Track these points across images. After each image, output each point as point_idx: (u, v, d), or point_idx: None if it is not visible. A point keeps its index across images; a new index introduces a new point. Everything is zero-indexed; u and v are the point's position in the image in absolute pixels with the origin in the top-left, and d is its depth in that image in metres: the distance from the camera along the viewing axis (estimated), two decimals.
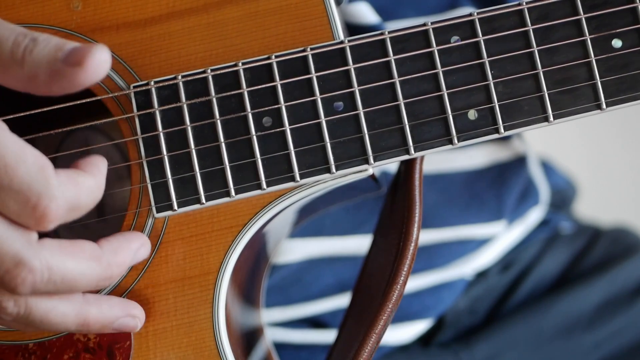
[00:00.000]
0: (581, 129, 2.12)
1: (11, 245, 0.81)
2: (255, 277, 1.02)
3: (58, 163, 1.01)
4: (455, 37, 0.92)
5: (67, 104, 0.91)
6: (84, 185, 0.84)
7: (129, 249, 0.88)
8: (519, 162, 1.28)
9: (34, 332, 0.91)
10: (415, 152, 0.91)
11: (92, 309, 0.87)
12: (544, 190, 1.32)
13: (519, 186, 1.27)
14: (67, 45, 0.81)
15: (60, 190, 0.81)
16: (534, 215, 1.30)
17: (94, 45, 0.80)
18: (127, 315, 0.89)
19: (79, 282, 0.83)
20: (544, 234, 1.31)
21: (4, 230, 0.81)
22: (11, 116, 0.90)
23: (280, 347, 1.18)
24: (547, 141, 1.65)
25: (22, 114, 0.90)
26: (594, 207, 1.64)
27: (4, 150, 0.80)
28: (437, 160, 1.23)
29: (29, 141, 0.98)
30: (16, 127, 0.92)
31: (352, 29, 1.10)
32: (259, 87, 0.92)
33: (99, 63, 0.80)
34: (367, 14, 1.11)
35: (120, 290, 0.92)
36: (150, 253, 0.92)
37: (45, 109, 0.91)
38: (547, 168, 1.38)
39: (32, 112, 0.91)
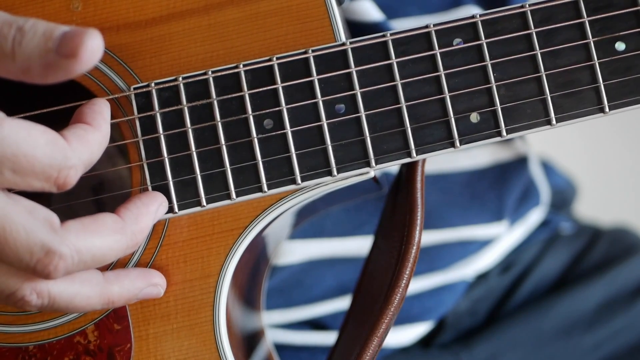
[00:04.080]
0: (581, 129, 2.11)
1: (38, 236, 0.82)
2: (256, 279, 1.02)
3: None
4: (458, 40, 0.91)
5: (68, 105, 0.91)
6: (94, 142, 0.86)
7: (148, 212, 0.89)
8: (520, 163, 1.27)
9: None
10: (417, 155, 0.91)
11: (114, 287, 0.88)
12: (544, 191, 1.31)
13: (520, 187, 1.27)
14: (56, 32, 0.81)
15: (77, 156, 0.83)
16: (535, 216, 1.29)
17: (85, 32, 0.80)
18: (149, 285, 0.90)
19: (108, 256, 0.85)
20: (544, 235, 1.31)
21: (29, 221, 0.82)
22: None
23: (280, 348, 1.18)
24: (547, 141, 1.65)
25: (21, 115, 0.90)
26: (594, 207, 1.64)
27: (16, 139, 0.81)
28: (438, 161, 1.22)
29: None
30: None
31: (356, 26, 1.10)
32: (260, 89, 0.91)
33: (92, 51, 0.80)
34: (371, 11, 1.10)
35: None
36: (151, 255, 0.92)
37: (45, 110, 0.91)
38: (547, 168, 1.37)
39: (32, 113, 0.90)
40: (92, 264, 0.85)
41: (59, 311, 0.88)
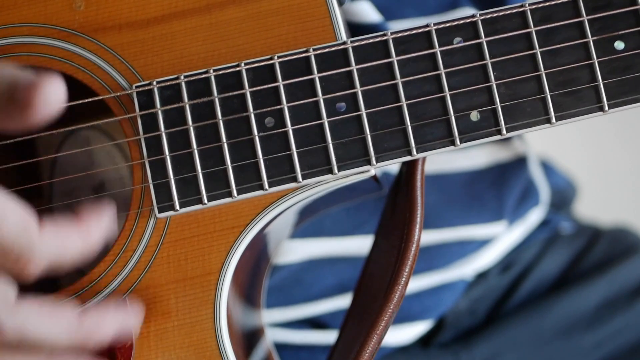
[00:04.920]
0: (581, 129, 2.12)
1: None
2: (257, 277, 1.02)
3: (59, 163, 1.02)
4: (458, 39, 0.92)
5: (69, 104, 0.91)
6: (70, 244, 0.83)
7: (113, 322, 0.86)
8: (520, 163, 1.28)
9: None
10: (417, 153, 0.91)
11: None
12: (544, 191, 1.32)
13: (519, 186, 1.27)
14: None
15: (44, 248, 0.80)
16: (535, 216, 1.30)
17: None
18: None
19: (46, 345, 0.82)
20: (544, 235, 1.31)
21: None
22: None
23: (280, 347, 1.18)
24: (547, 141, 1.65)
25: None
26: (594, 207, 1.64)
27: None
28: (438, 161, 1.23)
29: (30, 141, 0.98)
30: None
31: (355, 27, 1.10)
32: (262, 87, 0.91)
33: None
34: (369, 13, 1.11)
35: (121, 290, 0.92)
36: (152, 253, 0.92)
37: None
38: (547, 168, 1.38)
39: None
40: (27, 347, 0.82)
41: None
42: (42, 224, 0.81)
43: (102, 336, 0.85)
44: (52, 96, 0.79)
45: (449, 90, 0.91)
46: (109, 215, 0.85)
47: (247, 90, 0.91)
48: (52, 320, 0.82)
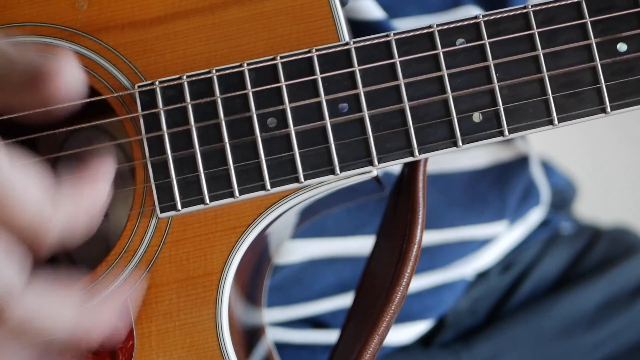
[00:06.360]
0: (581, 129, 2.11)
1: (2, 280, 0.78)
2: (258, 277, 1.02)
3: (60, 162, 1.02)
4: (461, 40, 0.92)
5: (71, 103, 0.91)
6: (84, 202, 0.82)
7: (111, 314, 0.84)
8: (521, 162, 1.28)
9: None
10: (419, 154, 0.91)
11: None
12: (544, 191, 1.32)
13: (520, 186, 1.27)
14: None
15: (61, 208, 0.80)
16: (535, 216, 1.30)
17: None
18: None
19: (48, 334, 0.81)
20: (545, 235, 1.32)
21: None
22: (14, 115, 0.90)
23: (280, 347, 1.18)
24: (547, 141, 1.65)
25: (25, 113, 0.90)
26: (594, 207, 1.64)
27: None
28: (439, 161, 1.23)
29: (31, 140, 0.98)
30: (18, 126, 0.92)
31: (358, 25, 1.10)
32: (264, 87, 0.91)
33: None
34: (372, 9, 1.10)
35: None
36: (154, 252, 0.92)
37: (48, 108, 0.91)
38: (547, 168, 1.38)
39: (36, 110, 0.90)
40: (26, 336, 0.81)
41: None
42: (31, 281, 0.80)
43: (100, 332, 0.84)
44: (72, 81, 0.80)
45: (452, 91, 0.91)
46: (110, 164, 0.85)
47: (250, 91, 0.91)
48: (59, 307, 0.80)
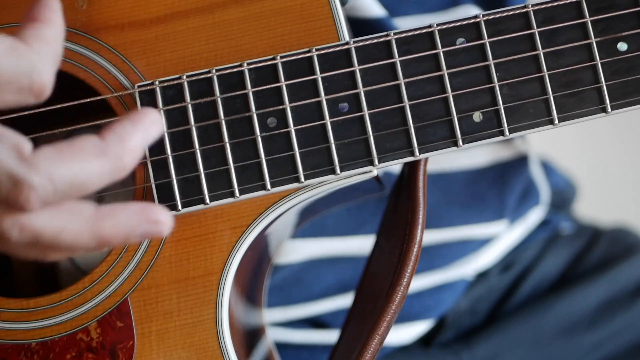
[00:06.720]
0: (581, 129, 2.11)
1: (4, 165, 0.76)
2: (258, 277, 1.02)
3: None
4: (461, 39, 0.92)
5: (71, 103, 0.91)
6: (53, 38, 0.80)
7: (135, 131, 0.81)
8: (521, 161, 1.28)
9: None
10: (419, 153, 0.91)
11: (106, 223, 0.80)
12: (544, 191, 1.32)
13: (520, 185, 1.27)
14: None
15: (42, 57, 0.78)
16: (535, 216, 1.30)
17: None
18: (149, 222, 0.81)
19: (90, 184, 0.78)
20: (545, 235, 1.32)
21: None
22: (14, 115, 0.90)
23: (281, 347, 1.18)
24: (547, 141, 1.65)
25: (24, 113, 0.90)
26: (594, 207, 1.64)
27: None
28: (439, 160, 1.23)
29: (32, 140, 0.98)
30: (19, 126, 0.92)
31: (358, 22, 1.10)
32: (264, 87, 0.91)
33: None
34: (372, 7, 1.10)
35: (121, 290, 0.92)
36: (154, 252, 0.92)
37: (48, 108, 0.91)
38: (547, 168, 1.38)
39: (36, 110, 0.91)
40: (73, 193, 0.78)
41: (46, 249, 0.79)
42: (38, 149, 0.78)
43: (135, 149, 0.81)
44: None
45: (452, 90, 0.91)
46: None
47: (250, 90, 0.91)
48: (76, 153, 0.78)
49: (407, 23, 1.15)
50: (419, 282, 1.21)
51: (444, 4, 1.18)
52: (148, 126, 0.82)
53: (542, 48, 0.91)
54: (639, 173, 2.20)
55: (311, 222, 1.07)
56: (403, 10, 1.16)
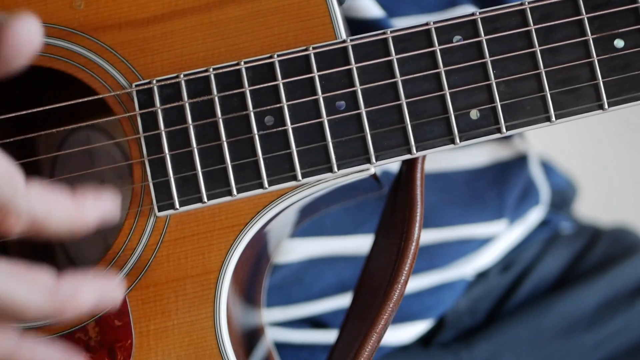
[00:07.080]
0: (581, 128, 2.12)
1: None
2: (257, 276, 1.02)
3: (59, 162, 1.02)
4: (458, 37, 0.92)
5: (69, 103, 0.91)
6: (57, 210, 0.79)
7: (93, 289, 0.81)
8: (520, 161, 1.28)
9: None
10: (417, 151, 0.92)
11: (24, 353, 0.81)
12: (544, 190, 1.32)
13: (520, 185, 1.27)
14: None
15: (27, 203, 0.78)
16: (535, 215, 1.30)
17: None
18: None
19: (21, 312, 0.78)
20: (545, 234, 1.31)
21: None
22: (12, 114, 0.90)
23: (280, 346, 1.18)
24: (547, 141, 1.65)
25: (23, 112, 0.90)
26: (594, 207, 1.64)
27: None
28: (438, 160, 1.23)
29: (29, 140, 0.98)
30: (17, 126, 0.92)
31: (357, 23, 1.10)
32: (261, 86, 0.92)
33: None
34: (371, 8, 1.11)
35: None
36: (152, 252, 0.92)
37: (46, 107, 0.91)
38: (547, 168, 1.38)
39: (34, 110, 0.91)
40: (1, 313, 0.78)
41: None
42: (30, 181, 0.78)
43: (80, 304, 0.80)
44: (27, 35, 0.75)
45: (449, 88, 0.91)
46: (109, 200, 0.82)
47: (247, 89, 0.92)
48: (27, 280, 0.78)
49: (405, 23, 1.14)
50: (419, 282, 1.21)
51: (442, 4, 1.18)
52: (105, 290, 0.82)
53: (539, 45, 0.91)
54: (639, 173, 2.20)
55: (310, 221, 1.07)
56: (401, 11, 1.16)
